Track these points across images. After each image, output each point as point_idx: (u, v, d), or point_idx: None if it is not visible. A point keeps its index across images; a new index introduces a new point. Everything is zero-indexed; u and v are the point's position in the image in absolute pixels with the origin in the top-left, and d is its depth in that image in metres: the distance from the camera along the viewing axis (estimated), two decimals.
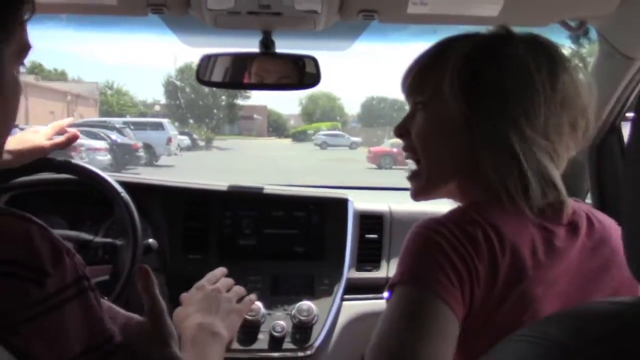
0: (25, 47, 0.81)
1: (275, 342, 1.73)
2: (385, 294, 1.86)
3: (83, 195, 1.83)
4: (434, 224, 0.89)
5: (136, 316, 0.96)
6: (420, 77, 1.03)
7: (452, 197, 1.05)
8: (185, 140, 24.65)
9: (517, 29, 1.03)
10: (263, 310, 1.76)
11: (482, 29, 1.48)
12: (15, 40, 0.78)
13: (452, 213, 0.93)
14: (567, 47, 1.01)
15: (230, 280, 1.29)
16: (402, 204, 2.07)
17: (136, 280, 0.96)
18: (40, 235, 0.71)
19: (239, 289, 1.27)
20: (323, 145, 30.52)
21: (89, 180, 1.70)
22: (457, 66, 0.96)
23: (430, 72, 1.01)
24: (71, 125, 1.76)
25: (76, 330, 0.72)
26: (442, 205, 2.08)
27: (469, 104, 0.95)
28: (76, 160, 1.82)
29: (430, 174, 1.02)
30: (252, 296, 1.31)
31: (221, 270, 1.31)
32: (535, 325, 0.64)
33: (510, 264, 0.85)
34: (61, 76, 37.69)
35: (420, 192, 1.06)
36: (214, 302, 1.17)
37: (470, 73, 0.95)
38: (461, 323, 0.83)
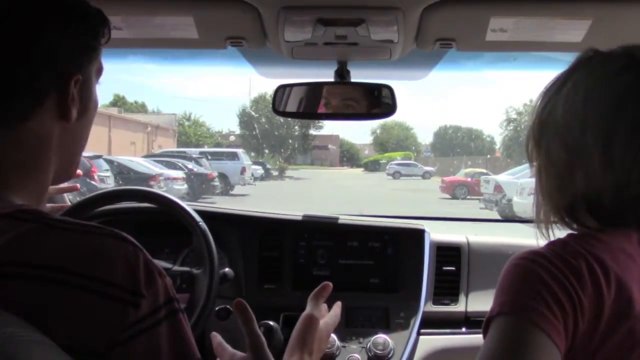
0: (101, 67, 0.90)
1: None
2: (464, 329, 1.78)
3: (162, 223, 1.87)
4: (534, 255, 0.85)
5: (239, 352, 1.02)
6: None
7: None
8: (259, 170, 25.07)
9: None
10: (337, 342, 1.74)
11: (564, 55, 1.43)
12: (97, 61, 0.88)
13: (553, 244, 0.89)
14: None
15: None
16: (480, 235, 2.01)
17: (236, 315, 1.01)
18: (136, 256, 0.73)
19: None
20: (396, 175, 30.37)
21: (168, 209, 1.74)
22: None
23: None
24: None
25: (168, 351, 0.73)
26: (522, 239, 2.01)
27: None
28: (155, 190, 1.86)
29: (540, 207, 0.99)
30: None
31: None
32: None
33: (616, 299, 0.81)
34: (141, 108, 39.27)
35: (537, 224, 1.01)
36: (323, 343, 1.11)
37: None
38: (562, 358, 0.79)
